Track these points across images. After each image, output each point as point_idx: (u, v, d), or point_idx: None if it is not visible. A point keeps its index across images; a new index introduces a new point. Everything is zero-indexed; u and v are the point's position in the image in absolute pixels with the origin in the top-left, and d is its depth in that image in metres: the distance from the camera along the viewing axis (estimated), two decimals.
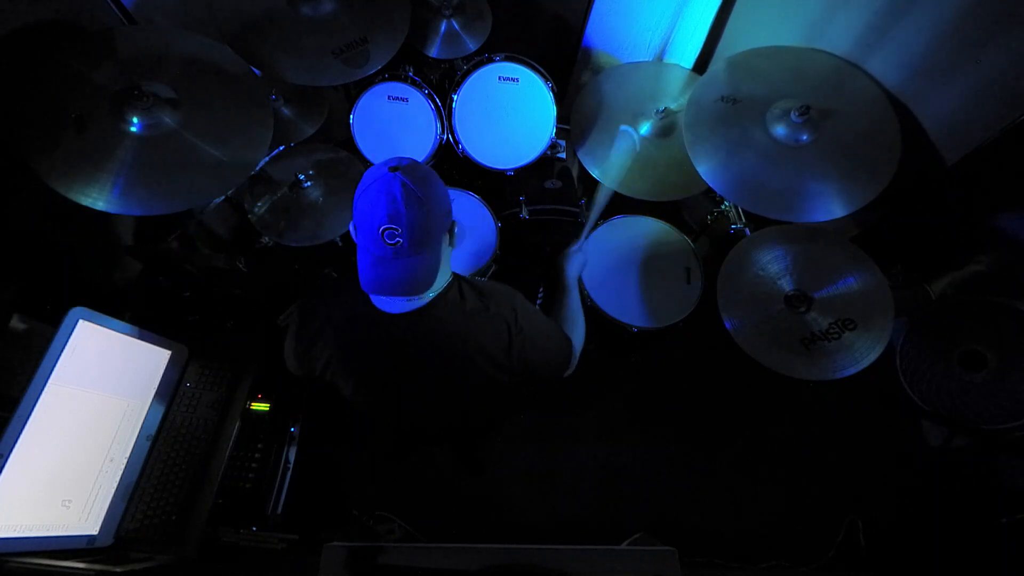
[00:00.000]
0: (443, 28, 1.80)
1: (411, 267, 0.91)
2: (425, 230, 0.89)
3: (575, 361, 1.23)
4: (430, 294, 0.98)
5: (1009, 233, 1.62)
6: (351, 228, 0.95)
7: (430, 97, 1.79)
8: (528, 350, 1.06)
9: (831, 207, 1.42)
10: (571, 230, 1.90)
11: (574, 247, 1.51)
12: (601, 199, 1.60)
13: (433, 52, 1.81)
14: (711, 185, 1.48)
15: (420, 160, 1.83)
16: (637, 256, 1.76)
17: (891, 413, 1.96)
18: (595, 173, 1.77)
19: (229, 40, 1.45)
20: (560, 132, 1.87)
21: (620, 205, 1.79)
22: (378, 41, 1.56)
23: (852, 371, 1.45)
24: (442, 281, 0.99)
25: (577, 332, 1.28)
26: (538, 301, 1.88)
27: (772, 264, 1.57)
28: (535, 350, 1.08)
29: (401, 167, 0.89)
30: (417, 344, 1.01)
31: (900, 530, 1.88)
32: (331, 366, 1.06)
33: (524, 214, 1.88)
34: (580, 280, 1.68)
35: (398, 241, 0.87)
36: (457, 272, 1.07)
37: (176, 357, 1.51)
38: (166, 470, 1.39)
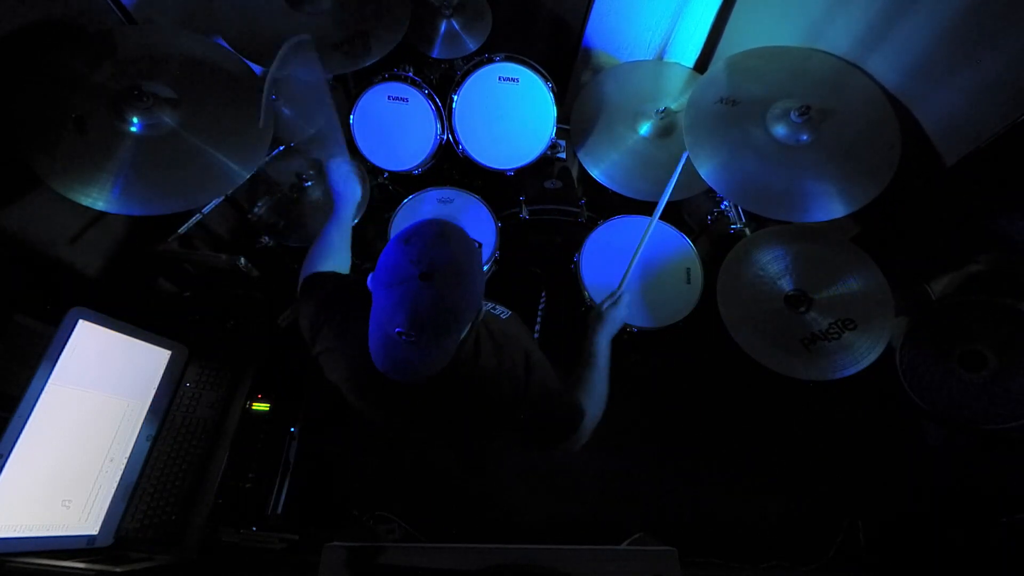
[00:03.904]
0: (443, 28, 1.80)
1: (423, 355, 0.84)
2: (448, 330, 0.82)
3: (585, 435, 1.16)
4: None
5: (1009, 233, 1.62)
6: (368, 279, 0.86)
7: (430, 97, 1.79)
8: (535, 412, 1.03)
9: (831, 207, 1.42)
10: (571, 230, 1.91)
11: (608, 302, 1.39)
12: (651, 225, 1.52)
13: (433, 52, 1.82)
14: (713, 187, 1.48)
15: (420, 160, 1.87)
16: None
17: (891, 413, 1.96)
18: (595, 173, 1.77)
19: (229, 40, 1.45)
20: (560, 132, 1.87)
21: (620, 205, 1.79)
22: (378, 33, 1.56)
23: (852, 371, 1.45)
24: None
25: (595, 403, 1.20)
26: (540, 304, 1.88)
27: (772, 264, 1.57)
28: (540, 414, 1.05)
29: (436, 274, 0.76)
30: (428, 393, 0.96)
31: (900, 530, 1.88)
32: (342, 384, 1.04)
33: (524, 214, 1.88)
34: (580, 279, 1.68)
35: (413, 340, 0.80)
36: None
37: (176, 357, 1.51)
38: (166, 470, 1.39)
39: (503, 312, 1.10)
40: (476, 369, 0.97)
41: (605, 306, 1.41)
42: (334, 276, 1.13)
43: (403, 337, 0.80)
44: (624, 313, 1.42)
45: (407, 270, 0.78)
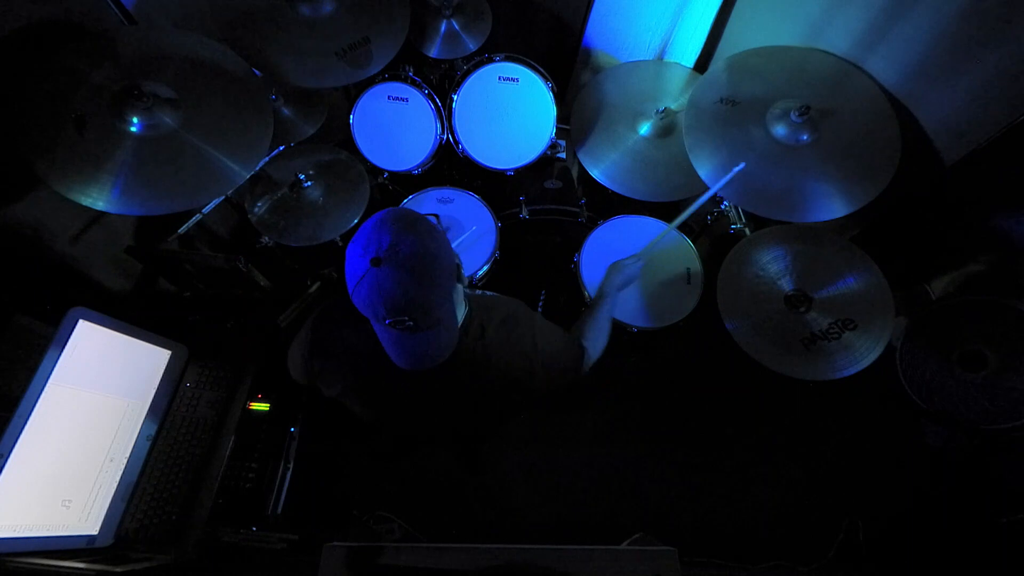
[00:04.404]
0: (443, 28, 1.80)
1: (430, 339, 0.87)
2: (431, 303, 0.84)
3: (587, 368, 1.22)
4: None
5: (1009, 233, 1.62)
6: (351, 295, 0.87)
7: (430, 97, 1.79)
8: (548, 372, 1.06)
9: (832, 207, 1.42)
10: (571, 230, 1.91)
11: (630, 260, 1.49)
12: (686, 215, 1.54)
13: (433, 52, 1.81)
14: (709, 185, 1.48)
15: (421, 160, 1.88)
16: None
17: (891, 413, 1.96)
18: (595, 173, 1.77)
19: (229, 40, 1.45)
20: (560, 132, 1.87)
21: (620, 205, 1.79)
22: (380, 41, 1.57)
23: (852, 371, 1.45)
24: (459, 316, 0.96)
25: (598, 342, 1.26)
26: (539, 304, 1.88)
27: (772, 264, 1.57)
28: (554, 368, 1.08)
29: (383, 256, 0.79)
30: (440, 381, 0.98)
31: (900, 530, 1.88)
32: (346, 394, 1.04)
33: (524, 214, 1.88)
34: (580, 278, 1.68)
35: (408, 324, 0.82)
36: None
37: (176, 357, 1.51)
38: (166, 470, 1.39)
39: (493, 295, 1.12)
40: (485, 344, 0.98)
41: (628, 262, 1.49)
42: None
43: (398, 326, 0.82)
44: (636, 272, 1.51)
45: (360, 264, 0.81)
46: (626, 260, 1.50)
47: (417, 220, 0.86)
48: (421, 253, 0.82)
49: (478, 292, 1.13)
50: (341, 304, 1.06)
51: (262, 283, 1.70)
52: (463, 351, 0.94)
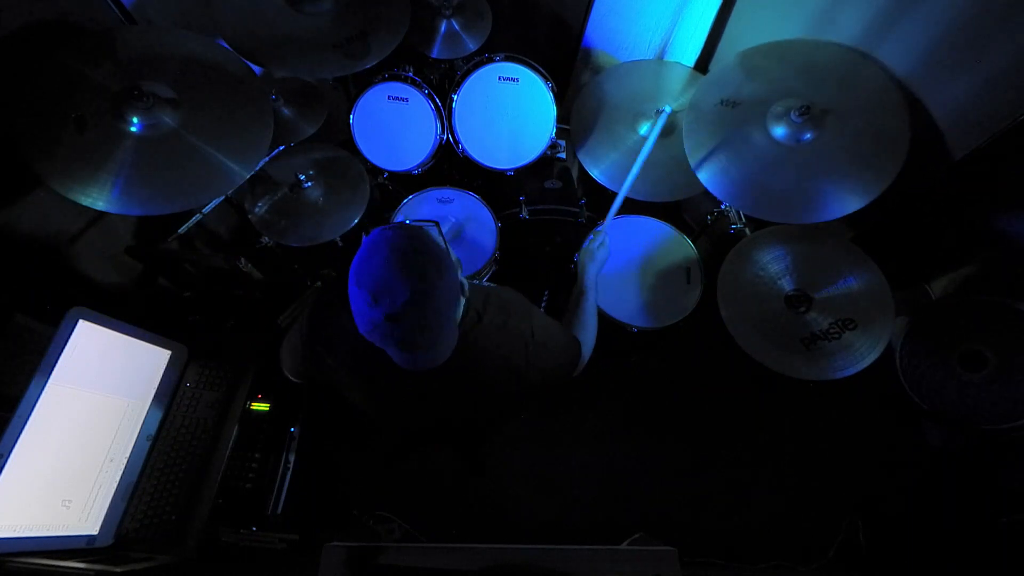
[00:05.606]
0: (443, 28, 1.80)
1: (434, 353, 0.92)
2: (441, 331, 0.88)
3: (584, 363, 1.23)
4: None
5: (1009, 233, 1.62)
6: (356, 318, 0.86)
7: (430, 97, 1.79)
8: (544, 361, 1.06)
9: (835, 206, 1.41)
10: (571, 230, 1.91)
11: (596, 243, 1.46)
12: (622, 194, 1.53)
13: (433, 52, 1.81)
14: (712, 192, 1.48)
15: (421, 160, 1.87)
16: (637, 256, 1.76)
17: (891, 413, 1.96)
18: (595, 173, 1.77)
19: (229, 40, 1.45)
20: (560, 132, 1.87)
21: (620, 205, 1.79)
22: (378, 34, 1.56)
23: (852, 371, 1.45)
24: (458, 314, 0.96)
25: (588, 334, 1.27)
26: (543, 304, 1.88)
27: (772, 264, 1.57)
28: (550, 360, 1.08)
29: (398, 313, 0.78)
30: (438, 370, 0.98)
31: (900, 530, 1.88)
32: (344, 384, 1.05)
33: (524, 214, 1.88)
34: None
35: (421, 350, 0.88)
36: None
37: (176, 357, 1.51)
38: (166, 470, 1.39)
39: (490, 284, 1.14)
40: (484, 334, 0.99)
41: (596, 245, 1.45)
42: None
43: (412, 353, 0.88)
44: (606, 253, 1.46)
45: (372, 315, 0.80)
46: (593, 245, 1.44)
47: (424, 253, 0.83)
48: (435, 301, 0.82)
49: (475, 282, 1.12)
50: (337, 295, 1.05)
51: (256, 276, 1.69)
52: (462, 337, 0.96)
